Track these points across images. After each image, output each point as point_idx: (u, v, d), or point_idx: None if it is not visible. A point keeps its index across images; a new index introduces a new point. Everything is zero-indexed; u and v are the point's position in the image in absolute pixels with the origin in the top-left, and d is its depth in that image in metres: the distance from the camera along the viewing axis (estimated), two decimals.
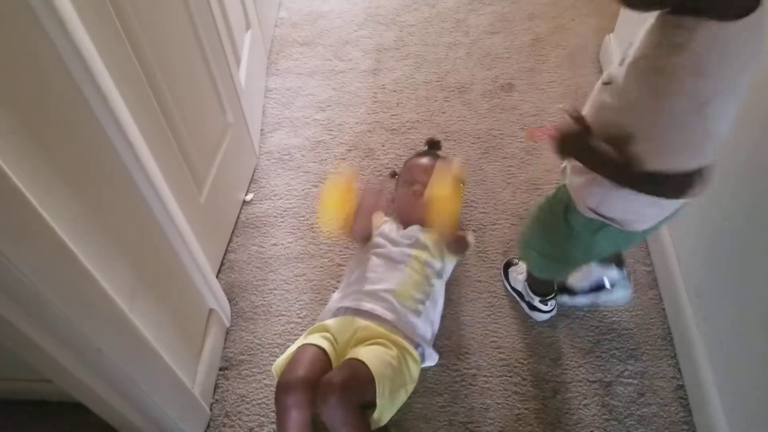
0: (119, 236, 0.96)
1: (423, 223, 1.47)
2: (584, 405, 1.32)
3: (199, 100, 1.44)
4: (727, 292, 1.21)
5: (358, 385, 1.10)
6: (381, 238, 1.46)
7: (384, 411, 1.15)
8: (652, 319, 1.46)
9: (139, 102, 1.05)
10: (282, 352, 1.28)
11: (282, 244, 1.66)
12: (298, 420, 1.12)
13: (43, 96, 0.79)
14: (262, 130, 2.01)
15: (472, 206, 1.72)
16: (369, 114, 2.04)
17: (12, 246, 0.69)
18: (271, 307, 1.52)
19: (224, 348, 1.44)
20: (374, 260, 1.40)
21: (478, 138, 1.92)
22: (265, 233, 1.69)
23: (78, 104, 0.86)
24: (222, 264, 1.62)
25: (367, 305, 1.29)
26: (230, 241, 1.68)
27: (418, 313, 1.32)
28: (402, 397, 1.21)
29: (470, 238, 1.51)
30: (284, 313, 1.51)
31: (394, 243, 1.44)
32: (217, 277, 1.55)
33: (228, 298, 1.50)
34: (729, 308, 1.20)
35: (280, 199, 1.79)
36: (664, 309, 1.47)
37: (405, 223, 1.52)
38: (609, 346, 1.41)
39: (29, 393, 1.29)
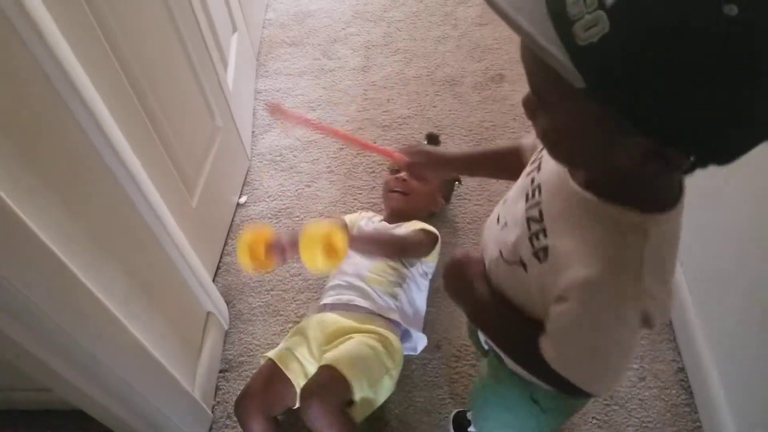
0: (109, 242, 0.96)
1: (404, 219, 1.47)
2: None
3: (186, 105, 1.44)
4: (724, 275, 1.21)
5: (334, 390, 1.12)
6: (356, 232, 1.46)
7: (369, 403, 1.17)
8: None
9: (122, 107, 1.05)
10: None
11: None
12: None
13: (23, 105, 0.79)
14: (253, 132, 2.01)
15: (466, 199, 1.72)
16: (360, 111, 2.04)
17: None
18: (268, 308, 1.52)
19: (224, 350, 1.44)
20: (350, 254, 1.39)
21: (470, 130, 1.92)
22: None
23: (59, 112, 0.86)
24: (218, 267, 1.62)
25: (344, 297, 1.32)
26: (225, 243, 1.68)
27: (394, 294, 1.32)
28: (387, 384, 1.22)
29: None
30: (282, 312, 1.51)
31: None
32: (213, 280, 1.56)
33: (226, 301, 1.50)
34: (727, 290, 1.20)
35: (274, 200, 1.79)
36: None
37: (389, 218, 1.53)
38: None
39: (30, 402, 1.29)
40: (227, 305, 1.51)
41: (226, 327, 1.48)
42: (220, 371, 1.41)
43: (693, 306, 1.32)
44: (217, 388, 1.38)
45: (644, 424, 1.26)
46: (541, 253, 0.61)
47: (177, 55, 1.38)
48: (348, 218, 1.54)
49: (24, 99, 0.80)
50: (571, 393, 0.65)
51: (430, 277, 1.45)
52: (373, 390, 1.18)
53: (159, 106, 1.23)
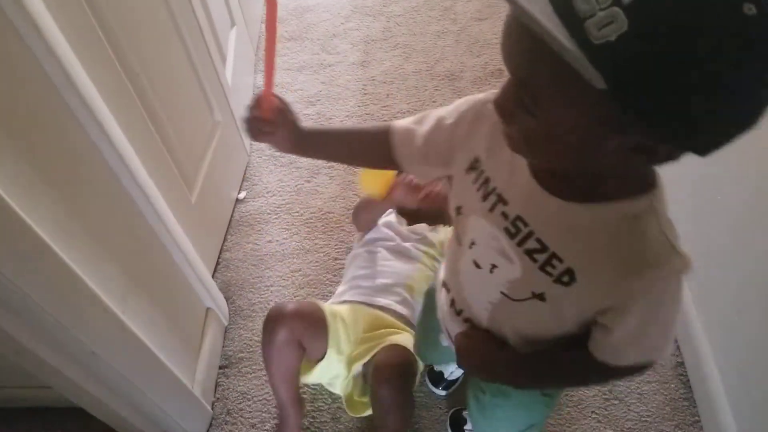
0: (108, 239, 0.95)
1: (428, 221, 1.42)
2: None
3: (185, 99, 1.44)
4: (723, 268, 1.20)
5: (410, 370, 1.15)
6: (388, 230, 1.43)
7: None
8: None
9: (120, 103, 1.04)
10: None
11: (277, 241, 1.66)
12: (287, 358, 1.17)
13: (22, 101, 0.79)
14: None
15: None
16: (359, 107, 2.04)
17: None
18: (268, 304, 1.52)
19: (223, 346, 1.44)
20: (384, 254, 1.38)
21: None
22: (259, 231, 1.69)
23: (57, 107, 0.85)
24: (218, 263, 1.62)
25: (382, 300, 1.29)
26: (225, 239, 1.68)
27: (413, 307, 1.31)
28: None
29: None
30: None
31: (404, 237, 1.41)
32: (213, 276, 1.55)
33: (225, 297, 1.50)
34: (725, 284, 1.20)
35: (273, 195, 1.78)
36: None
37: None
38: None
39: (29, 400, 1.29)
40: (227, 301, 1.50)
41: (225, 323, 1.47)
42: (220, 367, 1.41)
43: (692, 301, 1.32)
44: (217, 385, 1.38)
45: (643, 419, 1.26)
46: (566, 277, 0.59)
47: (175, 49, 1.37)
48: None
49: (22, 95, 0.79)
50: (636, 373, 0.68)
51: None
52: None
53: (158, 101, 1.22)
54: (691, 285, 1.32)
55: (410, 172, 0.82)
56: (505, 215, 0.62)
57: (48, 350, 0.84)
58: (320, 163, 1.85)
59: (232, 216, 1.73)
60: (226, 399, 1.35)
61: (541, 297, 0.62)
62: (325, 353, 1.20)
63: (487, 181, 0.65)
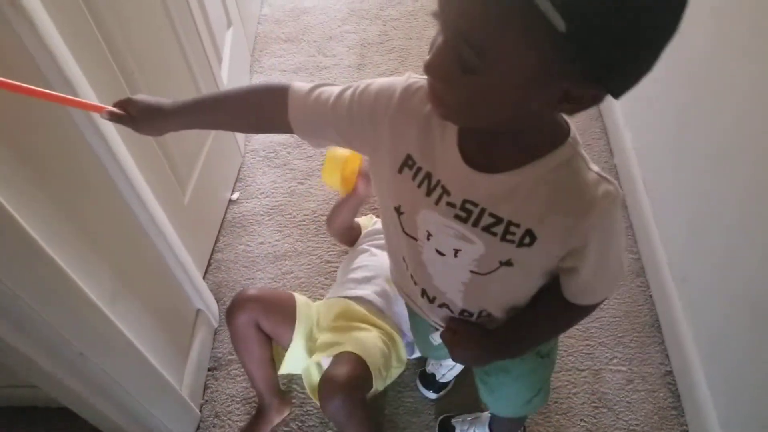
0: (98, 239, 0.95)
1: None
2: (574, 393, 1.32)
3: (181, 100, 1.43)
4: (712, 277, 1.21)
5: (360, 382, 1.11)
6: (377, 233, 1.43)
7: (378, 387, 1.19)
8: (639, 306, 1.47)
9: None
10: None
11: (269, 243, 1.65)
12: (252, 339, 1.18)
13: (15, 98, 0.78)
14: None
15: None
16: None
17: None
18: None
19: (213, 348, 1.43)
20: (372, 251, 1.38)
21: None
22: (251, 232, 1.68)
23: (50, 104, 0.84)
24: (209, 264, 1.61)
25: (358, 291, 1.28)
26: (217, 240, 1.67)
27: (394, 300, 1.29)
28: (393, 374, 1.26)
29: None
30: None
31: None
32: (204, 277, 1.54)
33: (216, 298, 1.49)
34: (715, 293, 1.20)
35: (266, 197, 1.78)
36: (651, 296, 1.48)
37: None
38: (597, 334, 1.41)
39: (15, 399, 1.28)
40: (218, 303, 1.50)
41: (215, 325, 1.47)
42: (209, 369, 1.40)
43: (681, 308, 1.33)
44: (206, 387, 1.37)
45: (631, 427, 1.27)
46: (527, 239, 0.63)
47: (172, 49, 1.36)
48: (361, 221, 1.49)
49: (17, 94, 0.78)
50: (591, 311, 0.74)
51: None
52: (385, 378, 1.20)
53: None
54: (682, 293, 1.34)
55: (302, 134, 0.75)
56: (452, 204, 0.64)
57: (36, 351, 0.83)
58: (314, 165, 1.84)
59: (224, 217, 1.72)
60: (215, 401, 1.34)
61: (508, 263, 0.65)
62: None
63: (428, 175, 0.65)
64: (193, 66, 1.45)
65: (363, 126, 0.68)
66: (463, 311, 0.77)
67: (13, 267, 0.73)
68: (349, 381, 1.07)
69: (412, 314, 0.98)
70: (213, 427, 1.30)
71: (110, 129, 0.97)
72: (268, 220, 1.71)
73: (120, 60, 1.07)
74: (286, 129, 0.72)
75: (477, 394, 1.29)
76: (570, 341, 1.40)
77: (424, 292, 0.78)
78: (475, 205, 0.63)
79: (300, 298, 1.26)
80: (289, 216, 1.72)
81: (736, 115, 1.10)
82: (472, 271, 0.68)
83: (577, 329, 1.42)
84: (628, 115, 1.72)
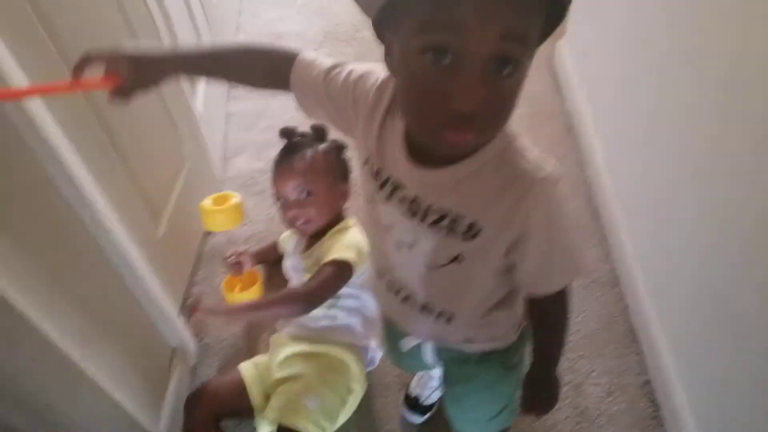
0: (66, 281, 0.90)
1: (321, 236, 1.28)
2: (557, 409, 1.27)
3: (153, 131, 1.40)
4: (686, 286, 1.22)
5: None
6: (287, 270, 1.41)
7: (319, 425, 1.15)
8: (615, 317, 1.47)
9: (83, 134, 1.00)
10: None
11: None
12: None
13: None
14: (224, 155, 1.97)
15: None
16: (333, 132, 2.01)
17: None
18: (239, 340, 1.47)
19: (191, 385, 1.38)
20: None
21: None
22: None
23: (10, 139, 0.81)
24: (186, 298, 1.56)
25: (285, 330, 1.30)
26: (195, 273, 1.62)
27: (332, 318, 1.25)
28: (351, 402, 1.23)
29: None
30: (252, 345, 1.46)
31: (294, 268, 1.36)
32: (181, 310, 1.50)
33: (194, 334, 1.45)
34: (689, 300, 1.20)
35: (245, 225, 1.74)
36: (627, 306, 1.49)
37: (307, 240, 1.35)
38: (577, 347, 1.41)
39: None
40: (196, 338, 1.45)
41: (193, 362, 1.42)
42: None
43: (656, 318, 1.33)
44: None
45: None
46: (473, 231, 0.64)
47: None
48: (282, 237, 1.49)
49: None
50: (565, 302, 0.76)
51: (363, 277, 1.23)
52: (333, 417, 1.18)
53: (125, 132, 1.18)
54: (657, 301, 1.34)
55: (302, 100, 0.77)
56: (403, 199, 0.67)
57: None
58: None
59: (203, 249, 1.69)
60: None
61: (458, 259, 0.68)
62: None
63: (379, 171, 0.68)
64: (166, 97, 1.43)
65: (348, 114, 0.71)
66: (424, 306, 0.78)
67: None
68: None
69: (385, 321, 0.99)
70: None
71: (75, 161, 0.93)
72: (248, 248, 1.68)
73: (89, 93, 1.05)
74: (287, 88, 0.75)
75: None
76: None
77: (389, 285, 0.80)
78: (423, 201, 0.65)
79: (246, 371, 1.25)
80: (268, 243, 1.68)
81: (707, 123, 1.12)
82: (426, 265, 0.71)
83: None
84: (599, 126, 1.74)
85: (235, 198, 1.45)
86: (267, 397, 1.21)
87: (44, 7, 0.93)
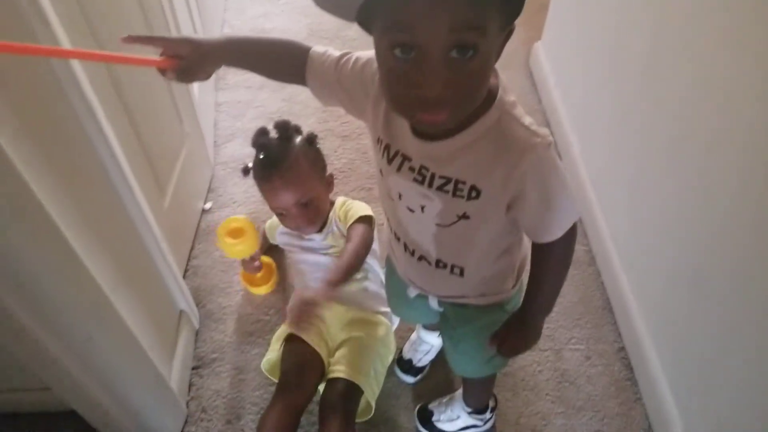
0: (101, 230, 0.99)
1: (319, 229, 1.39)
2: (539, 371, 1.44)
3: (160, 109, 1.49)
4: (656, 260, 1.35)
5: (353, 407, 1.21)
6: (295, 252, 1.46)
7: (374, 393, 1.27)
8: (592, 292, 1.61)
9: (109, 107, 1.09)
10: (254, 349, 1.41)
11: None
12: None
13: (39, 104, 0.84)
14: (215, 142, 2.05)
15: None
16: (320, 123, 2.13)
17: (7, 226, 0.74)
18: (239, 308, 1.56)
19: (195, 348, 1.47)
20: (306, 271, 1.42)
21: None
22: None
23: (61, 102, 0.91)
24: (186, 270, 1.65)
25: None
26: (193, 248, 1.71)
27: (365, 289, 1.36)
28: (381, 370, 1.32)
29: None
30: (252, 312, 1.56)
31: (310, 250, 1.41)
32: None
33: (195, 302, 1.54)
34: (659, 274, 1.34)
35: (240, 205, 1.83)
36: (602, 282, 1.63)
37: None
38: (556, 318, 1.55)
39: (24, 405, 1.29)
40: (197, 305, 1.54)
41: (197, 326, 1.51)
42: (193, 368, 1.43)
43: (630, 292, 1.47)
44: (191, 384, 1.40)
45: (591, 398, 1.39)
46: (474, 193, 0.72)
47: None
48: (268, 223, 1.59)
49: (41, 103, 0.86)
50: (566, 248, 0.81)
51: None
52: (377, 380, 1.28)
53: (137, 109, 1.28)
54: (631, 277, 1.48)
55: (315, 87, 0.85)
56: (411, 169, 0.75)
57: (46, 332, 0.87)
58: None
59: (199, 225, 1.77)
60: (201, 397, 1.38)
61: (465, 216, 0.76)
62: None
63: (388, 147, 0.77)
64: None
65: (360, 98, 0.80)
66: (438, 261, 0.87)
67: (32, 243, 0.78)
68: (342, 399, 1.19)
69: (390, 274, 1.07)
70: (200, 421, 1.34)
71: (108, 130, 1.02)
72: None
73: (114, 73, 1.14)
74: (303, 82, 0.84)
75: (451, 377, 1.42)
76: None
77: (405, 247, 0.89)
78: (428, 169, 0.74)
79: (313, 341, 1.26)
80: (264, 222, 1.77)
81: (677, 109, 1.22)
82: (437, 224, 0.79)
83: None
84: (573, 118, 1.87)
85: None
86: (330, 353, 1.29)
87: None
